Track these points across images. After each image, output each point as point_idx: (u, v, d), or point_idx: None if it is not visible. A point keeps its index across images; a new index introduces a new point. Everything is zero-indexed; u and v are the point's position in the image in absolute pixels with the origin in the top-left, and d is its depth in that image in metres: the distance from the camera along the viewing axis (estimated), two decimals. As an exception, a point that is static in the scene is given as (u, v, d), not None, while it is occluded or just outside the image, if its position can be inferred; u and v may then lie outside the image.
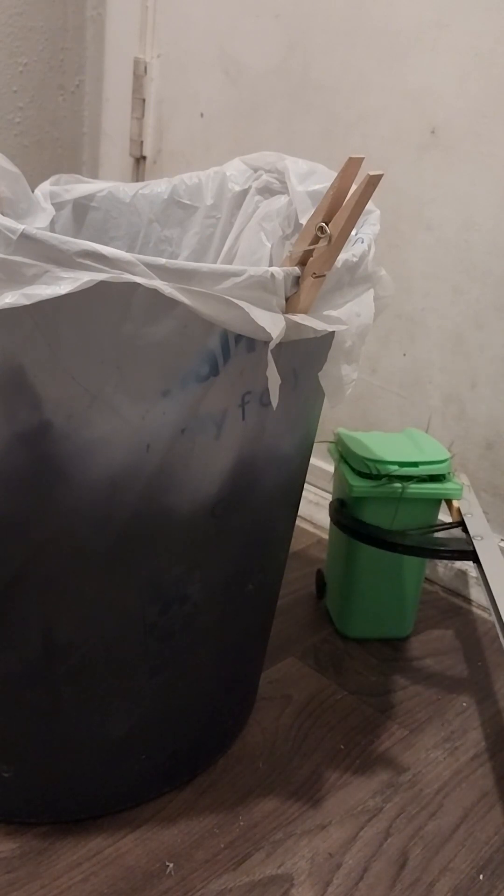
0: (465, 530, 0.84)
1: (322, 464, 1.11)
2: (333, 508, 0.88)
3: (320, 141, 1.04)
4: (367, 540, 0.83)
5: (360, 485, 0.83)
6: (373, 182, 0.49)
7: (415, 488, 0.83)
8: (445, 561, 0.98)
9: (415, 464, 0.84)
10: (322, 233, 0.51)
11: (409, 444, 0.89)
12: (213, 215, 0.80)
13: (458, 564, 1.00)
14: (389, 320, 1.02)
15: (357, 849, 0.65)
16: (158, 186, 0.80)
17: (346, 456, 0.87)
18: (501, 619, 0.71)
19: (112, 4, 1.24)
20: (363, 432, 0.90)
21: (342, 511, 0.86)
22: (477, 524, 0.84)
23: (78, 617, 0.58)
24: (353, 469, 0.85)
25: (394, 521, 0.84)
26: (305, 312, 0.52)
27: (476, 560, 0.79)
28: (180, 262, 0.47)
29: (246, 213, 0.78)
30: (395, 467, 0.83)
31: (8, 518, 0.53)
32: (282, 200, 0.75)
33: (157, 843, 0.64)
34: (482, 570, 0.78)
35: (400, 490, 0.83)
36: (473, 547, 0.80)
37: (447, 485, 0.84)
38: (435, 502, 0.86)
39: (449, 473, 0.85)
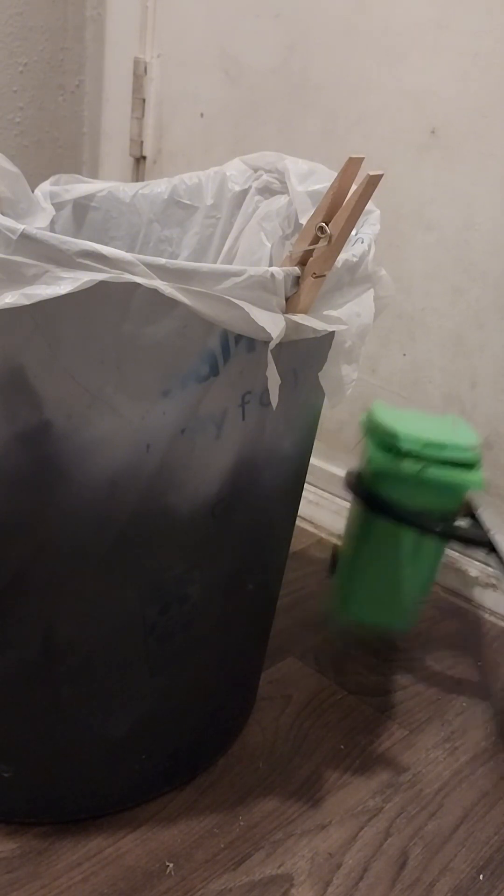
0: (477, 521, 0.79)
1: (322, 464, 1.11)
2: (352, 476, 0.82)
3: (320, 141, 1.04)
4: (375, 508, 0.78)
5: (379, 459, 0.78)
6: (373, 182, 0.49)
7: (436, 471, 0.78)
8: (458, 547, 0.89)
9: (441, 446, 0.78)
10: (322, 233, 0.51)
11: (442, 427, 0.83)
12: (213, 215, 0.80)
13: (459, 565, 1.00)
14: (389, 320, 1.02)
15: (357, 849, 0.65)
16: (158, 186, 0.80)
17: (371, 428, 0.81)
18: None
19: (112, 4, 1.24)
20: (401, 409, 0.85)
21: (359, 478, 0.81)
22: (491, 517, 0.79)
23: (78, 617, 0.58)
24: (376, 443, 0.80)
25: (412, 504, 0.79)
26: (305, 312, 0.52)
27: (492, 549, 0.76)
28: (180, 262, 0.47)
29: (246, 213, 0.78)
30: (419, 446, 0.77)
31: (8, 518, 0.53)
32: (282, 200, 0.75)
33: (157, 843, 0.64)
34: (501, 559, 0.75)
35: (418, 470, 0.77)
36: (490, 537, 0.76)
37: (472, 474, 0.78)
38: (457, 491, 0.79)
39: (477, 464, 0.80)
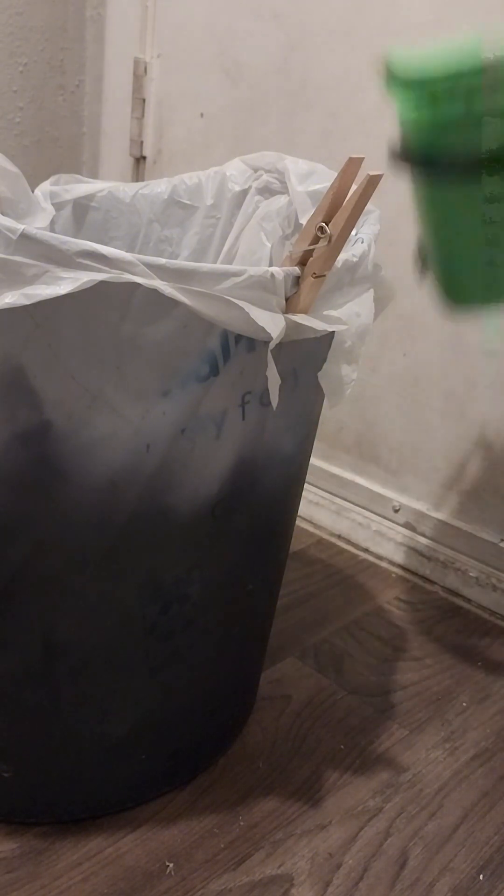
0: None
1: (322, 464, 1.11)
2: (394, 147, 0.64)
3: (320, 141, 1.04)
4: (437, 172, 0.61)
5: (419, 110, 0.61)
6: (373, 182, 0.49)
7: (489, 99, 0.58)
8: None
9: (481, 69, 0.57)
10: (322, 233, 0.51)
11: (472, 49, 0.59)
12: (213, 215, 0.80)
13: (459, 565, 1.00)
14: (389, 320, 1.02)
15: (357, 849, 0.65)
16: (158, 186, 0.80)
17: (397, 81, 0.61)
18: None
19: (112, 4, 1.24)
20: (422, 48, 0.62)
21: (404, 144, 0.63)
22: None
23: (78, 617, 0.58)
24: (409, 95, 0.61)
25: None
26: (305, 312, 0.52)
27: None
28: (180, 262, 0.47)
29: (246, 213, 0.78)
30: (460, 79, 0.59)
31: (8, 518, 0.53)
32: (282, 200, 0.75)
33: (157, 843, 0.64)
34: None
35: (467, 106, 0.59)
36: None
37: None
38: None
39: None
